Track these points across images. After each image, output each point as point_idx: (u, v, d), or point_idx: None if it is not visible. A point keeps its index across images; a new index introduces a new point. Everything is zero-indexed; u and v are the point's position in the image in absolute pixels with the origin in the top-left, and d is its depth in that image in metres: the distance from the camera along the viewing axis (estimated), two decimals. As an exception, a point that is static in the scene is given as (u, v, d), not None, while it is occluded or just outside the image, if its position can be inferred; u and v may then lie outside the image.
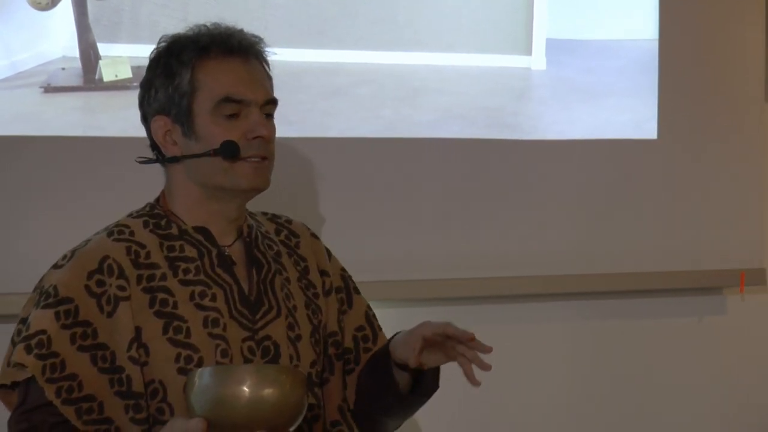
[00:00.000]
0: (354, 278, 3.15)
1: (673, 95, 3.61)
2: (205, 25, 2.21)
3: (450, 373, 2.34)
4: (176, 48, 2.19)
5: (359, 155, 3.28)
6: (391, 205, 3.31)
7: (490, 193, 3.42)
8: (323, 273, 2.35)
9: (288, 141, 3.17)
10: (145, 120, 2.22)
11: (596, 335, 3.62)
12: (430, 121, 3.36)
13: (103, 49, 3.02)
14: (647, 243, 3.60)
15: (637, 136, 3.59)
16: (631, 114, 3.58)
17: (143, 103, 2.23)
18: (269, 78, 2.24)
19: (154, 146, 2.23)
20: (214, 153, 2.13)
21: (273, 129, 2.21)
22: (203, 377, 1.94)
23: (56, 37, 3.00)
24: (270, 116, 2.21)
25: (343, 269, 2.41)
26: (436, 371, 2.26)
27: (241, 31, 2.21)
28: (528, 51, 3.48)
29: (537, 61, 3.49)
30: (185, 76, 2.16)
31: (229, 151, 2.13)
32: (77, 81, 3.02)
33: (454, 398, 3.39)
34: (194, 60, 2.16)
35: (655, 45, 3.61)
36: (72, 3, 2.99)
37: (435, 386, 2.27)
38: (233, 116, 2.15)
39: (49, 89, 2.99)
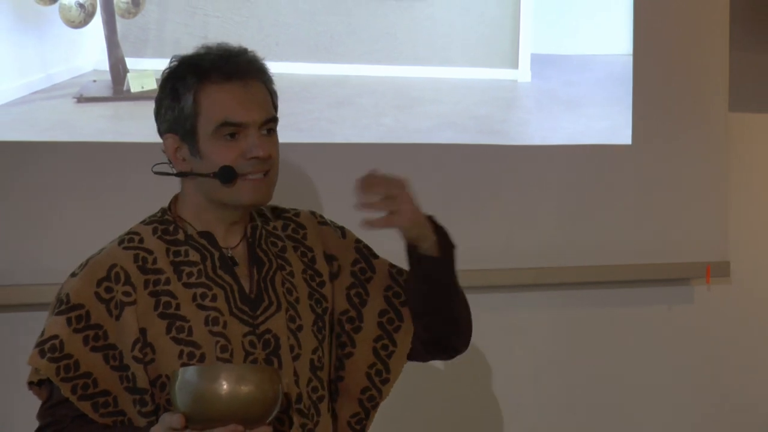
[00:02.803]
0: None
1: (645, 105, 3.61)
2: (209, 47, 2.15)
3: (429, 364, 2.35)
4: (181, 71, 2.13)
5: (362, 159, 3.27)
6: (390, 204, 3.32)
7: (480, 193, 3.42)
8: (330, 258, 2.30)
9: (298, 146, 3.18)
10: (160, 134, 2.20)
11: (574, 322, 3.63)
12: (427, 128, 3.36)
13: (130, 63, 3.02)
14: (621, 238, 3.60)
15: (613, 142, 3.59)
16: (607, 122, 3.58)
17: (156, 119, 2.19)
18: (271, 94, 2.17)
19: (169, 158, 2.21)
20: (213, 176, 2.11)
21: (274, 144, 2.15)
22: (185, 375, 1.94)
23: (88, 53, 3.00)
24: (272, 131, 2.17)
25: (357, 240, 2.35)
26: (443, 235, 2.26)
27: (243, 52, 2.15)
28: (515, 65, 3.49)
29: (523, 74, 3.49)
30: (188, 100, 2.10)
31: (226, 176, 2.10)
32: (107, 92, 3.02)
33: (440, 384, 3.41)
34: (196, 85, 2.10)
35: (630, 60, 3.61)
36: (102, 21, 2.99)
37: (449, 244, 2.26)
38: (233, 136, 2.11)
39: (82, 99, 2.99)
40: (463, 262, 3.38)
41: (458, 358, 3.43)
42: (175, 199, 2.22)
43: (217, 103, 2.11)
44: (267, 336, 2.15)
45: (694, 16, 3.66)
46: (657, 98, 3.63)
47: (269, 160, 2.14)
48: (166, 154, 2.18)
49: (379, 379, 2.29)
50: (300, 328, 2.20)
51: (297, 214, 2.34)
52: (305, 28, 3.21)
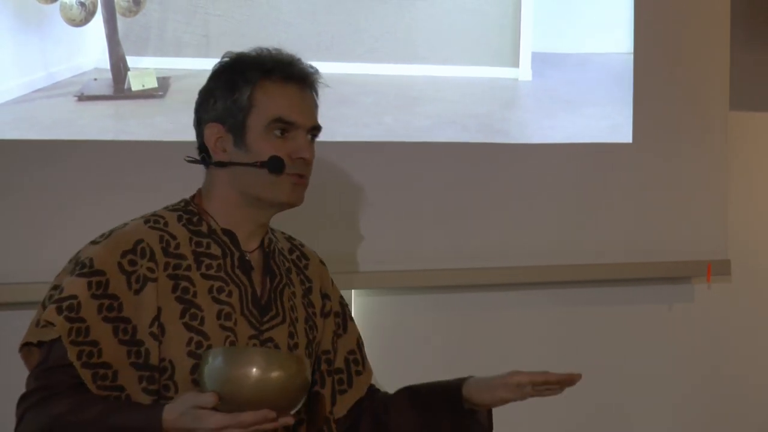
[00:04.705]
0: (355, 269, 3.17)
1: (646, 104, 3.61)
2: (268, 50, 2.20)
3: (431, 359, 2.36)
4: (240, 65, 2.18)
5: (363, 157, 3.28)
6: (391, 202, 3.31)
7: (480, 191, 3.42)
8: (325, 296, 2.35)
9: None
10: (199, 124, 2.21)
11: (574, 321, 3.62)
12: (427, 127, 3.36)
13: (131, 61, 3.02)
14: (622, 236, 3.59)
15: (613, 141, 3.59)
16: (608, 120, 3.57)
17: (200, 109, 2.21)
18: (317, 106, 2.24)
19: (202, 149, 2.21)
20: (261, 165, 2.13)
21: (314, 152, 2.21)
22: (216, 357, 1.94)
23: (89, 51, 3.00)
24: (314, 138, 2.22)
25: (341, 297, 2.41)
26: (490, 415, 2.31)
27: (300, 60, 2.21)
28: (515, 63, 3.48)
29: (523, 72, 3.49)
30: (245, 93, 2.15)
31: (276, 166, 2.13)
32: (108, 90, 3.02)
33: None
34: (256, 79, 2.15)
35: (630, 59, 3.60)
36: (103, 20, 2.99)
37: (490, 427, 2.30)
38: (283, 134, 2.15)
39: (83, 98, 2.99)
40: (464, 261, 3.41)
41: (459, 356, 3.44)
42: (199, 193, 2.24)
43: (275, 99, 2.16)
44: (269, 344, 2.17)
45: (695, 15, 3.66)
46: (657, 97, 3.63)
47: (310, 165, 2.20)
48: (206, 143, 2.19)
49: None
50: (296, 346, 2.23)
51: (302, 245, 2.39)
52: (306, 27, 3.21)
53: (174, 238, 2.16)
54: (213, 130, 2.18)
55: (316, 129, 2.21)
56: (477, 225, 3.41)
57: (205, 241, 2.18)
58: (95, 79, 3.01)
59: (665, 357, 3.74)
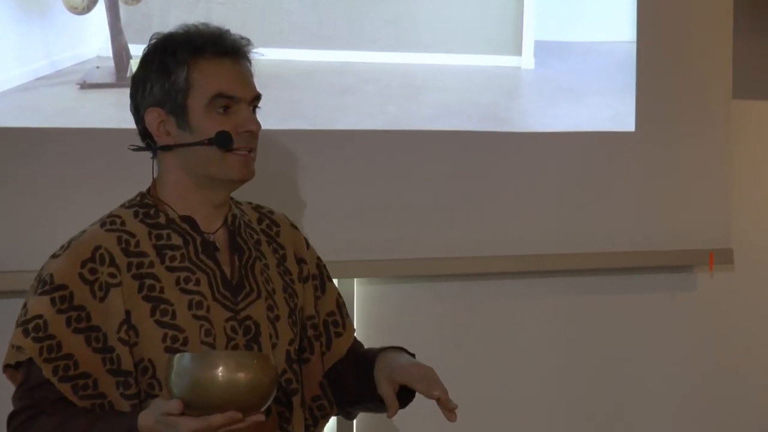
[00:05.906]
0: (358, 257, 3.17)
1: (649, 92, 3.60)
2: (195, 26, 2.18)
3: (433, 348, 2.35)
4: (171, 47, 2.15)
5: (367, 146, 3.27)
6: (394, 191, 3.30)
7: (484, 179, 3.41)
8: (300, 261, 2.32)
9: (301, 133, 3.17)
10: (138, 111, 2.19)
11: (577, 310, 3.61)
12: (431, 116, 3.35)
13: (134, 49, 3.01)
14: (625, 225, 3.59)
15: (616, 129, 3.58)
16: (610, 109, 3.57)
17: (137, 96, 2.19)
18: (253, 75, 2.20)
19: (145, 136, 2.20)
20: (209, 142, 2.11)
21: (259, 123, 2.19)
22: (181, 362, 1.92)
23: (92, 39, 2.99)
24: (256, 109, 2.20)
25: (318, 258, 2.38)
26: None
27: (229, 31, 2.18)
28: (518, 52, 3.47)
29: (526, 61, 3.48)
30: (181, 74, 2.12)
31: (224, 141, 2.11)
32: (111, 78, 3.02)
33: (438, 371, 3.40)
34: (189, 59, 2.13)
35: (633, 47, 3.59)
36: (106, 8, 2.98)
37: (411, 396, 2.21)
38: (225, 111, 2.13)
39: (85, 86, 2.99)
40: (466, 250, 3.41)
41: (461, 345, 3.43)
42: (154, 184, 2.22)
43: (212, 76, 2.13)
44: (248, 322, 2.16)
45: (698, 4, 3.65)
46: (660, 85, 3.62)
47: (257, 137, 2.17)
48: (148, 128, 2.17)
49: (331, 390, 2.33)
50: (277, 317, 2.21)
51: (271, 212, 2.36)
52: (309, 15, 3.20)
53: (133, 236, 2.14)
54: (153, 115, 2.15)
55: (257, 99, 2.18)
56: (479, 214, 3.40)
57: (164, 232, 2.15)
58: (98, 68, 3.00)
59: (668, 345, 3.73)
